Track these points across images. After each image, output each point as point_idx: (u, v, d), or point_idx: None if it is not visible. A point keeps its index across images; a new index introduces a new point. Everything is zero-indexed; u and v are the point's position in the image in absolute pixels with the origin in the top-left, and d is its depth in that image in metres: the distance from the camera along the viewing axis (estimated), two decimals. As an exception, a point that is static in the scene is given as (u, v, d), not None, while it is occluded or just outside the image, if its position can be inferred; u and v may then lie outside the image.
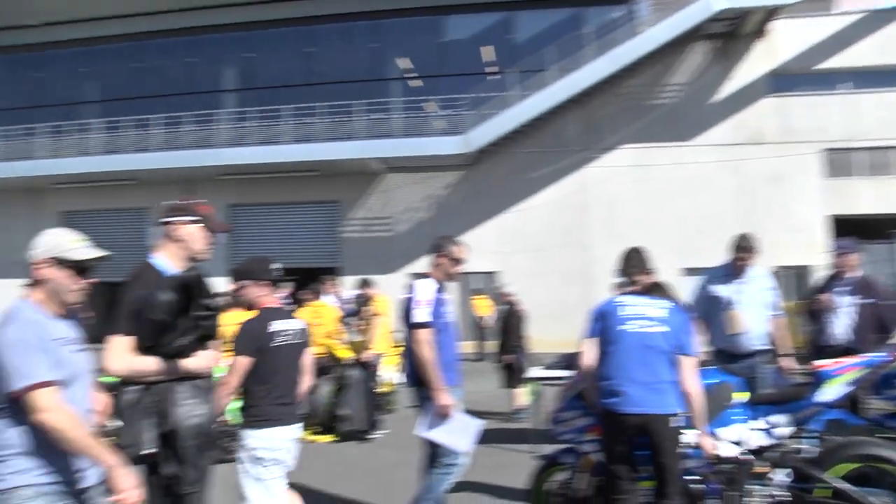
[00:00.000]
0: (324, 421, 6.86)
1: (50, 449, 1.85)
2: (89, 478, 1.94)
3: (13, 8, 16.99)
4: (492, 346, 9.91)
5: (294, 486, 4.24)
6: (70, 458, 1.89)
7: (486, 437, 5.98)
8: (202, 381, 2.33)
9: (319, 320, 7.13)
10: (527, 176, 14.96)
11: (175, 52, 17.46)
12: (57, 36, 17.96)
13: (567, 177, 15.02)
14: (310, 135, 14.96)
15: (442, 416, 3.33)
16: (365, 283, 7.64)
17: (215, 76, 17.35)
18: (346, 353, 7.12)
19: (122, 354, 2.23)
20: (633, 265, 3.39)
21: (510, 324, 7.70)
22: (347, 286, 11.46)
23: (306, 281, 8.80)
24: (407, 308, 3.53)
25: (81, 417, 1.92)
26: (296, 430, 2.88)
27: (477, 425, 3.45)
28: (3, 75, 19.07)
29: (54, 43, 18.13)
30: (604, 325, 3.15)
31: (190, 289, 2.21)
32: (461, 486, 4.45)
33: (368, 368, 6.82)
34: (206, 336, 2.33)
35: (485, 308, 13.87)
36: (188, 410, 2.23)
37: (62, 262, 1.97)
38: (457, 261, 3.66)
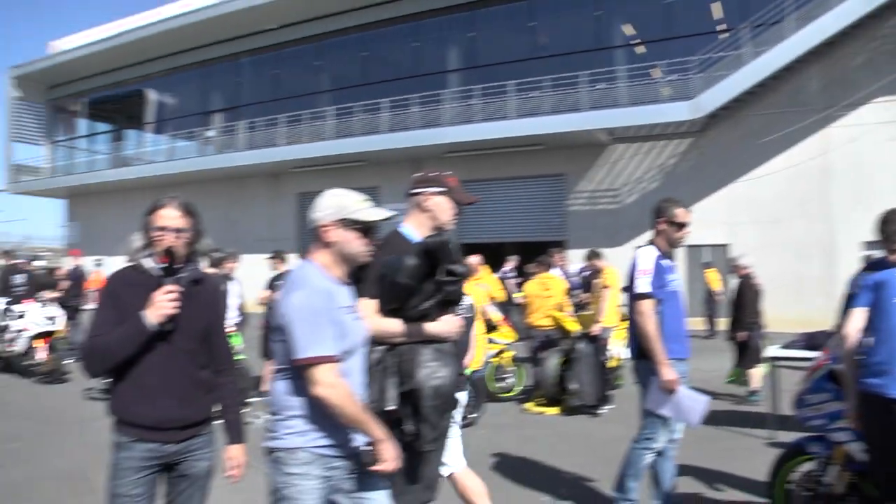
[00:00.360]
0: (550, 393, 8.62)
1: (327, 416, 2.51)
2: (356, 444, 2.63)
3: (254, 16, 25.06)
4: (724, 322, 11.28)
5: (518, 457, 6.23)
6: (338, 426, 2.55)
7: (717, 420, 7.30)
8: (445, 345, 3.07)
9: (548, 292, 9.17)
10: (760, 141, 18.75)
11: (400, 38, 24.39)
12: (292, 35, 26.19)
13: (806, 140, 18.34)
14: (534, 109, 20.48)
15: (666, 391, 4.17)
16: (594, 255, 9.63)
17: (439, 58, 23.87)
18: (574, 326, 8.84)
19: (371, 316, 2.99)
20: None
21: (745, 299, 8.87)
22: (573, 259, 16.38)
23: (531, 255, 13.01)
24: (629, 278, 4.44)
25: (356, 390, 2.62)
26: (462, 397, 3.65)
27: (704, 402, 4.16)
28: (248, 75, 28.03)
29: (290, 42, 26.53)
30: (878, 296, 3.50)
31: (435, 255, 2.93)
32: (687, 471, 5.33)
33: (597, 342, 8.39)
34: (449, 301, 3.06)
35: (716, 282, 17.73)
36: (430, 372, 2.94)
37: (350, 224, 2.61)
38: (681, 225, 4.47)
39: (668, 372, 4.18)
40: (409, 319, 3.06)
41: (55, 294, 12.55)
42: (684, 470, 5.22)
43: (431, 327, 3.07)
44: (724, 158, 19.25)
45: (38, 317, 11.04)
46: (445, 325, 3.11)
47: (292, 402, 2.55)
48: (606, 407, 8.32)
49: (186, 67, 30.11)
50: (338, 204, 2.63)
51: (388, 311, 3.07)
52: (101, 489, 5.15)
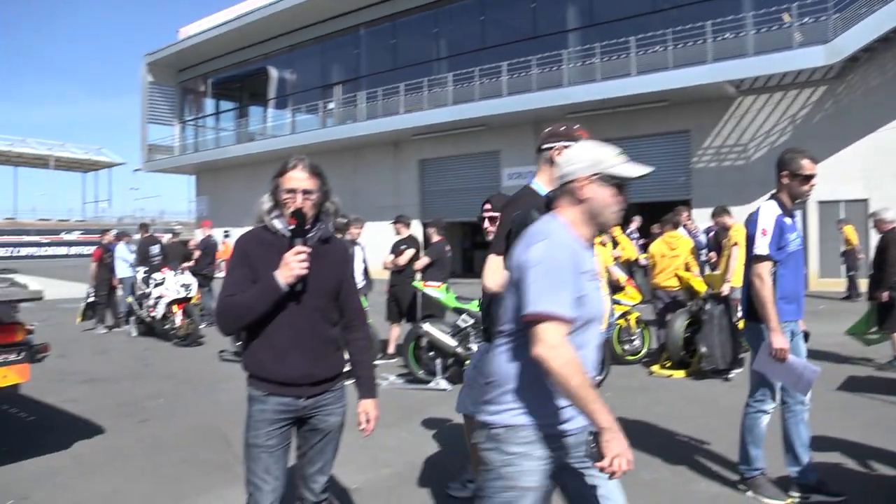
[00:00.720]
0: (677, 356, 8.38)
1: (556, 390, 2.21)
2: (575, 424, 2.33)
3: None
4: (863, 282, 10.93)
5: (646, 421, 6.13)
6: (564, 403, 2.27)
7: (856, 386, 7.24)
8: None
9: (674, 252, 8.90)
10: None
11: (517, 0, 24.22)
12: (409, 4, 26.63)
13: (957, 81, 17.28)
14: (658, 64, 20.17)
15: (777, 358, 4.09)
16: (722, 211, 9.15)
17: (558, 17, 23.83)
18: (702, 287, 8.56)
19: (498, 272, 3.05)
20: None
21: (888, 256, 8.41)
22: (698, 219, 16.07)
23: (654, 216, 12.74)
24: (749, 236, 4.30)
25: (586, 366, 2.26)
26: None
27: (815, 372, 4.08)
28: (368, 46, 28.71)
29: (407, 11, 27.06)
30: None
31: None
32: (825, 441, 5.16)
33: (727, 303, 7.99)
34: None
35: (853, 239, 17.00)
36: None
37: (607, 179, 2.32)
38: (807, 178, 4.22)
39: (779, 339, 4.06)
40: None
41: (189, 263, 13.52)
42: (822, 440, 5.03)
43: None
44: (864, 106, 18.37)
45: (174, 284, 11.91)
46: None
47: (516, 373, 2.29)
48: (736, 371, 8.07)
49: (306, 43, 31.13)
50: (593, 158, 2.34)
51: None
52: (235, 443, 5.66)
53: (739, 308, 7.95)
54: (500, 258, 3.21)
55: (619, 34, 21.28)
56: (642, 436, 5.82)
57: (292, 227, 2.74)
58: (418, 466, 5.11)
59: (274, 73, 33.71)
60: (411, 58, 27.26)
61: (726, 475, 4.84)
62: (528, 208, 2.92)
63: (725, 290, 8.20)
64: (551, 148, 3.35)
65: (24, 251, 48.13)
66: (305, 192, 2.80)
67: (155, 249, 13.48)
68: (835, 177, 18.05)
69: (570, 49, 22.75)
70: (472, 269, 26.14)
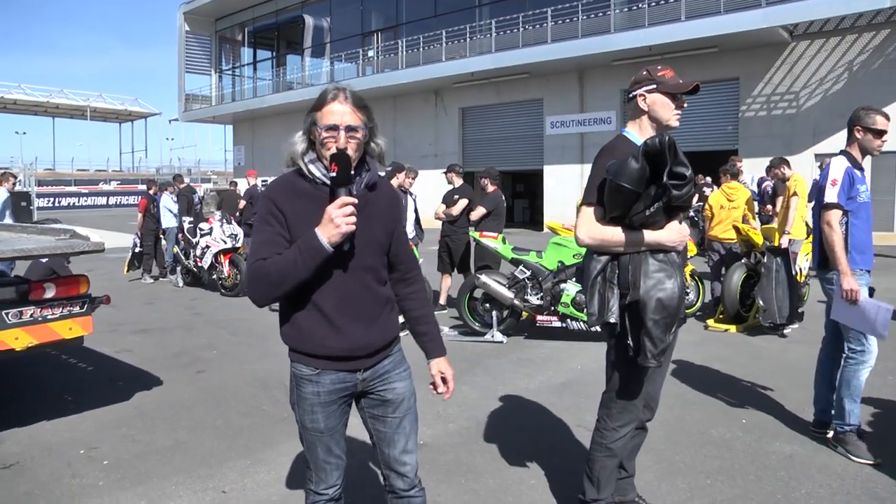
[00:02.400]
0: (734, 310, 8.22)
1: None
2: None
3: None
4: None
5: (709, 378, 5.98)
6: None
7: None
8: (670, 255, 2.94)
9: (732, 203, 8.78)
10: None
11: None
12: None
13: None
14: (708, 8, 19.50)
15: (849, 301, 4.18)
16: (781, 163, 8.94)
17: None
18: (760, 239, 8.33)
19: (591, 224, 2.98)
20: None
21: None
22: (746, 169, 15.62)
23: (701, 166, 12.30)
24: (818, 187, 4.47)
25: None
26: None
27: (890, 310, 4.08)
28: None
29: None
30: None
31: (659, 157, 2.73)
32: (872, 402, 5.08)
33: (786, 255, 7.72)
34: (675, 207, 2.86)
35: None
36: (655, 283, 2.85)
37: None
38: (879, 133, 4.35)
39: (850, 281, 4.15)
40: (632, 227, 2.90)
41: (235, 213, 13.51)
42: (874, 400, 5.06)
43: (656, 235, 2.90)
44: (928, 51, 17.62)
45: (221, 234, 11.85)
46: (671, 232, 2.92)
47: None
48: (793, 326, 7.94)
49: (344, -10, 30.68)
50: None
51: (610, 218, 2.93)
52: None
53: (801, 260, 7.88)
54: (592, 209, 3.01)
55: (667, -23, 20.56)
56: (706, 390, 5.78)
57: (334, 174, 2.24)
58: (482, 422, 5.05)
59: (311, 20, 33.34)
60: (453, 4, 26.65)
61: (799, 434, 4.76)
62: (624, 157, 2.82)
63: (784, 242, 8.00)
64: (636, 95, 3.15)
65: (64, 201, 48.72)
66: (349, 129, 2.31)
67: (196, 198, 13.48)
68: (892, 127, 17.41)
69: (616, -6, 22.07)
70: (512, 218, 25.95)
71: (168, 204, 13.60)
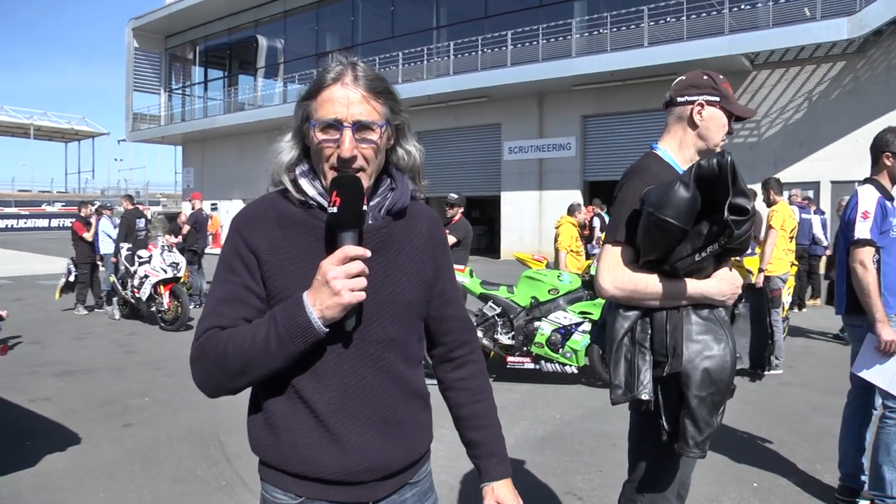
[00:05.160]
0: None
1: None
2: None
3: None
4: None
5: None
6: None
7: None
8: (718, 311, 2.27)
9: None
10: None
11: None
12: None
13: None
14: (670, 35, 19.24)
15: (883, 352, 3.64)
16: (768, 185, 7.91)
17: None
18: (745, 274, 7.53)
19: (618, 270, 2.27)
20: None
21: None
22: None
23: None
24: (846, 220, 3.88)
25: None
26: None
27: None
28: (364, 13, 27.78)
29: None
30: None
31: (715, 184, 2.04)
32: None
33: (759, 296, 7.15)
34: (730, 250, 2.14)
35: None
36: (700, 349, 2.16)
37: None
38: None
39: (889, 331, 3.62)
40: (674, 274, 2.21)
41: (177, 239, 12.54)
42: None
43: (703, 286, 2.22)
44: (885, 82, 17.68)
45: (161, 263, 10.86)
46: (721, 283, 2.25)
47: None
48: (773, 371, 7.38)
49: (299, 10, 29.98)
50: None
51: (645, 262, 2.25)
52: (234, 457, 4.97)
53: (785, 295, 7.52)
54: (620, 249, 2.32)
55: (630, 3, 20.38)
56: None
57: (335, 209, 1.41)
58: (455, 488, 4.37)
59: (265, 40, 32.54)
60: (410, 25, 26.10)
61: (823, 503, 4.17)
62: (666, 184, 2.13)
63: (759, 280, 7.34)
64: (688, 102, 2.44)
65: (2, 223, 46.68)
66: (360, 126, 1.47)
67: (141, 223, 12.48)
68: (850, 157, 17.45)
69: (578, 18, 21.76)
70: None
71: (106, 228, 12.59)
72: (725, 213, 2.03)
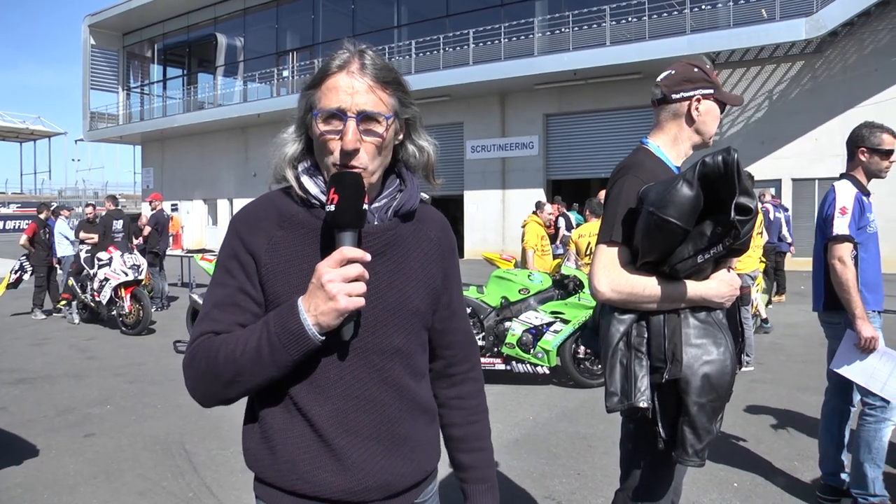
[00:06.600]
0: None
1: None
2: None
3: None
4: None
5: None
6: None
7: None
8: (716, 314, 2.20)
9: None
10: (890, 60, 17.34)
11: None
12: None
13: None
14: (632, 35, 19.37)
15: (863, 349, 3.63)
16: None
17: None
18: None
19: (615, 272, 2.19)
20: None
21: None
22: None
23: None
24: (823, 216, 3.83)
25: None
26: None
27: None
28: (324, 11, 27.51)
29: None
30: None
31: (720, 182, 1.95)
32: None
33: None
34: (731, 251, 2.05)
35: None
36: (699, 354, 2.09)
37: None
38: (886, 153, 3.80)
39: (868, 328, 3.58)
40: (671, 277, 2.12)
41: (137, 241, 12.29)
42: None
43: (702, 288, 2.14)
44: (842, 81, 18.03)
45: (121, 265, 10.50)
46: (720, 284, 2.17)
47: None
48: (745, 368, 7.21)
49: (259, 7, 29.58)
50: None
51: (642, 263, 2.15)
52: (201, 466, 4.76)
53: (754, 292, 7.53)
54: (616, 250, 2.22)
55: (592, 2, 20.49)
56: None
57: (332, 206, 1.30)
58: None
59: (224, 38, 32.03)
60: (371, 24, 25.95)
61: (805, 502, 4.13)
62: (667, 181, 2.03)
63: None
64: (684, 98, 2.35)
65: (-47, 225, 45.45)
66: (365, 117, 1.36)
67: (118, 224, 11.97)
68: (810, 154, 17.74)
69: (540, 17, 21.78)
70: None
71: (63, 230, 12.21)
72: (732, 214, 1.92)
